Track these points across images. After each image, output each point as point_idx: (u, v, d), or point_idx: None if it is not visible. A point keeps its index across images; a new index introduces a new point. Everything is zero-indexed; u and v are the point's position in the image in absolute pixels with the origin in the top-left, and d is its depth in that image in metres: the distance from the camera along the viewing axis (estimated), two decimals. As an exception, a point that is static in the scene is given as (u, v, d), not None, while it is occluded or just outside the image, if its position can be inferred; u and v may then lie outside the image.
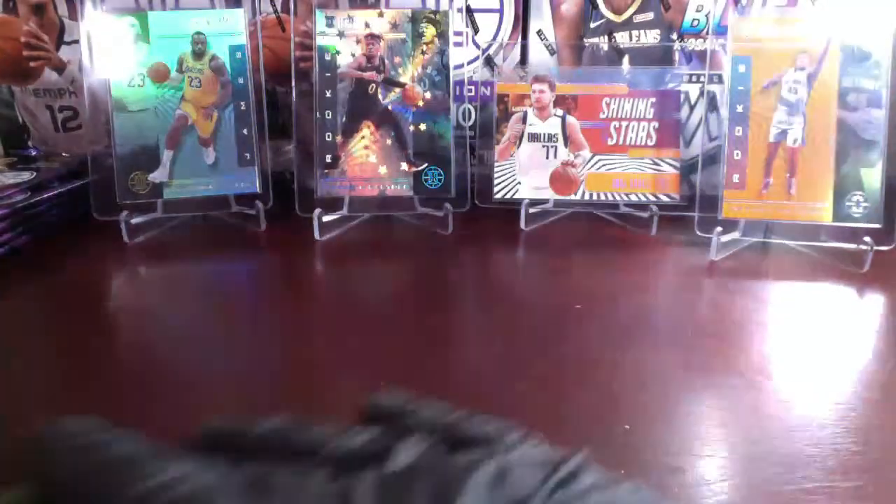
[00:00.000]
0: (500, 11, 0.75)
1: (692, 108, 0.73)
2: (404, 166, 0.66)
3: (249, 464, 0.17)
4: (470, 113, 0.73)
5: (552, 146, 0.67)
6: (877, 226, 0.58)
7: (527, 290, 0.55)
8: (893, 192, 0.58)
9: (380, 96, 0.65)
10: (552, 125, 0.67)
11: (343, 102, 0.65)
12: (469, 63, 0.74)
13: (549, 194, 0.68)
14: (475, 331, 0.48)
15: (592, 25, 0.74)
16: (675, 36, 0.72)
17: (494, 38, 0.76)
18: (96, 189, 0.64)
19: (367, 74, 0.65)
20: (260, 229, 0.66)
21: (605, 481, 0.17)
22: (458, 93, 0.68)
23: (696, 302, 0.53)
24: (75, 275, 0.57)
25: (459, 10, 0.68)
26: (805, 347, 0.44)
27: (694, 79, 0.72)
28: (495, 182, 0.68)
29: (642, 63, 0.71)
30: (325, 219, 0.64)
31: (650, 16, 0.73)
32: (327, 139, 0.65)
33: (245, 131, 0.65)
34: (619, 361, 0.41)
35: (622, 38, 0.73)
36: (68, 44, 0.78)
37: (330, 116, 0.65)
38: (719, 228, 0.60)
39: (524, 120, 0.67)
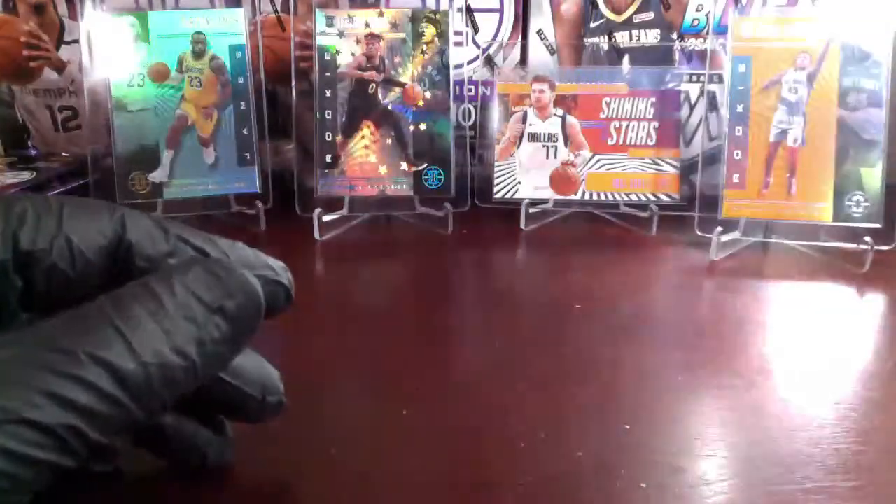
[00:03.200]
0: (500, 11, 0.75)
1: (692, 107, 0.73)
2: (404, 166, 0.66)
3: None
4: (470, 113, 0.73)
5: (552, 146, 0.67)
6: (877, 226, 0.58)
7: (527, 290, 0.55)
8: (894, 192, 0.58)
9: (380, 96, 0.65)
10: (552, 125, 0.67)
11: (343, 102, 0.65)
12: (469, 63, 0.74)
13: (549, 194, 0.68)
14: (474, 331, 0.48)
15: (592, 25, 0.74)
16: (675, 36, 0.72)
17: (494, 38, 0.76)
18: (96, 189, 0.64)
19: (367, 74, 0.65)
20: (259, 229, 0.66)
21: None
22: (458, 92, 0.68)
23: (696, 302, 0.53)
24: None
25: (459, 10, 0.68)
26: (805, 347, 0.44)
27: (694, 78, 0.72)
28: (495, 182, 0.68)
29: (642, 63, 0.71)
30: (325, 218, 0.64)
31: (650, 16, 0.73)
32: (327, 139, 0.65)
33: (245, 131, 0.65)
34: (618, 361, 0.41)
35: (622, 38, 0.73)
36: (68, 44, 0.78)
37: (330, 116, 0.65)
38: (719, 228, 0.59)
39: (524, 120, 0.67)
